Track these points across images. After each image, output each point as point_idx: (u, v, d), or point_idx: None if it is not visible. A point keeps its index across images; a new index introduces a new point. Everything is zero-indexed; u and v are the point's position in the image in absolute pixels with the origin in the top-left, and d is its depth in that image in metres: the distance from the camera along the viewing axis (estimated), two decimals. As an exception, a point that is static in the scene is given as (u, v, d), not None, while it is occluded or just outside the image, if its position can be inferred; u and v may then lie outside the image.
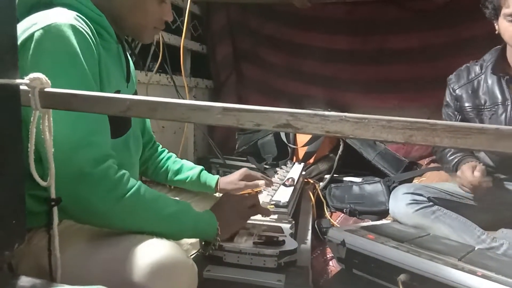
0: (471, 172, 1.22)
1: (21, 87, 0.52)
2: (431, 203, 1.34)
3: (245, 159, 2.19)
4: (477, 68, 1.39)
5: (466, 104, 1.39)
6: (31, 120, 0.52)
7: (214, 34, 2.55)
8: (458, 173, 1.28)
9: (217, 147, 2.03)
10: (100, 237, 0.71)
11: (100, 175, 0.66)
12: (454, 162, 1.36)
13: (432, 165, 1.93)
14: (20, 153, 0.55)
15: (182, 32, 1.67)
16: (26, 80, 0.50)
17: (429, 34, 2.24)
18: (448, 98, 1.47)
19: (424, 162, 2.05)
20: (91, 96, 0.52)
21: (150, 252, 0.63)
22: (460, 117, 1.42)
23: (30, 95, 0.51)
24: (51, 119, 0.54)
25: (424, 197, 1.35)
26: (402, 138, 0.43)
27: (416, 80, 2.26)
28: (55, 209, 0.57)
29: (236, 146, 2.30)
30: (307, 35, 2.49)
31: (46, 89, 0.51)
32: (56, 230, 0.57)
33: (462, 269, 0.76)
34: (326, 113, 0.45)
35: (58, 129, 0.56)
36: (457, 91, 1.42)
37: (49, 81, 0.52)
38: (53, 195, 0.57)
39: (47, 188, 0.57)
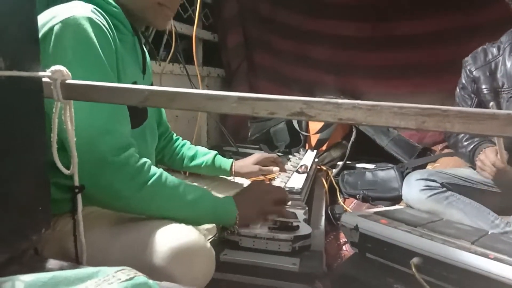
0: (495, 155, 1.21)
1: (44, 79, 0.54)
2: (444, 189, 1.33)
3: (257, 147, 2.20)
4: (495, 50, 1.35)
5: (483, 86, 1.35)
6: (53, 111, 0.54)
7: (225, 22, 2.54)
8: (481, 156, 1.27)
9: (229, 135, 2.04)
10: (121, 222, 0.74)
11: (122, 163, 0.68)
12: (471, 147, 1.34)
13: (445, 151, 1.91)
14: (44, 143, 0.57)
15: (194, 21, 1.68)
16: (48, 72, 0.52)
17: (441, 19, 2.20)
18: (464, 80, 1.43)
19: (437, 148, 2.04)
20: (111, 87, 0.53)
21: (170, 237, 0.65)
22: (476, 99, 1.39)
23: (52, 87, 0.53)
24: (72, 109, 0.56)
25: (438, 182, 1.34)
26: (415, 124, 0.44)
27: (427, 66, 2.23)
28: (79, 196, 0.59)
29: (249, 134, 2.32)
30: (318, 22, 2.47)
31: (67, 81, 0.53)
32: (81, 216, 0.60)
33: (475, 252, 0.77)
34: (339, 100, 0.46)
35: (79, 119, 0.58)
36: (474, 73, 1.38)
37: (69, 73, 0.54)
38: (76, 182, 0.59)
39: (70, 176, 0.59)
